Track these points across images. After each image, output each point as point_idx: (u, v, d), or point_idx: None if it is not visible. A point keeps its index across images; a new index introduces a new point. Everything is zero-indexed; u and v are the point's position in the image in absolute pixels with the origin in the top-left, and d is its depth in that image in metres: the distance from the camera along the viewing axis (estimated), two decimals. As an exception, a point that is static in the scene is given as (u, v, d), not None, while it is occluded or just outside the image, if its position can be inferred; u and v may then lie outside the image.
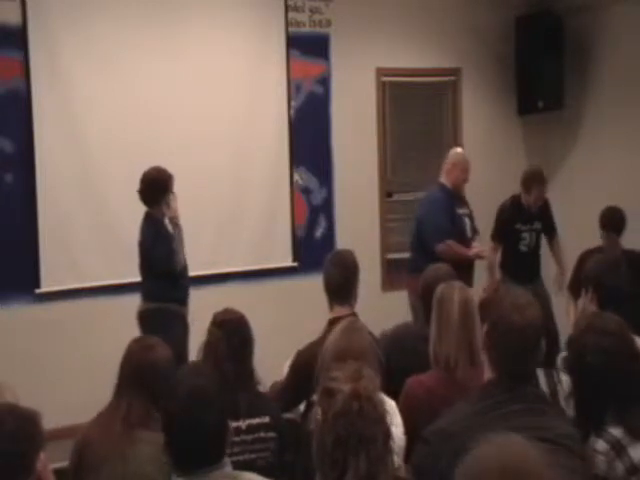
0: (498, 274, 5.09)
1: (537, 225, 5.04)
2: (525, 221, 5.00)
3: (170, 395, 1.91)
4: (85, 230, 4.82)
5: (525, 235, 5.00)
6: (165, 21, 5.00)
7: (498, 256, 5.12)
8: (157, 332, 4.04)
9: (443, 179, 4.79)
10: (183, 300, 4.27)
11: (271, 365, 2.99)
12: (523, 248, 5.01)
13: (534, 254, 5.08)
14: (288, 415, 2.77)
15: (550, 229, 5.15)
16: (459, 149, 4.95)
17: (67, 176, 4.78)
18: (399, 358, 2.93)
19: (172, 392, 1.91)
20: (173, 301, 4.20)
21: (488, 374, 2.01)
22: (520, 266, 4.99)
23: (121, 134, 4.87)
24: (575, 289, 4.21)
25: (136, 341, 2.49)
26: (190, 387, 1.88)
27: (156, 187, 4.18)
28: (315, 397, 2.37)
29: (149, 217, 4.23)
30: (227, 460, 1.89)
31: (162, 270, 4.15)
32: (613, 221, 4.42)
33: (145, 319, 4.16)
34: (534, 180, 4.94)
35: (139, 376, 2.34)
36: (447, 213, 4.65)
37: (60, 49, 4.73)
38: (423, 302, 3.06)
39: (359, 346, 2.39)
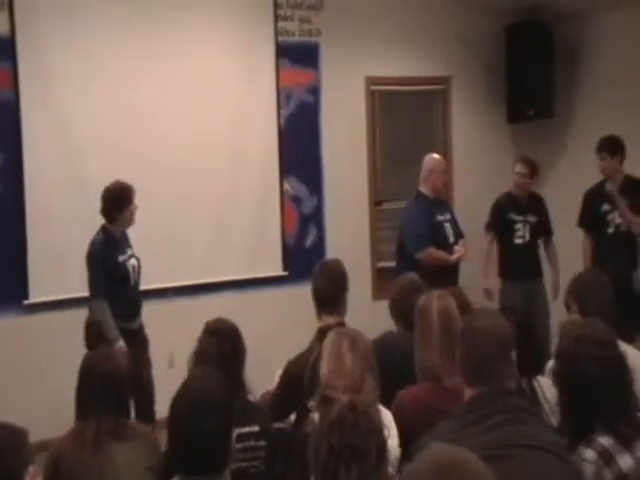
0: (494, 269, 5.13)
1: (531, 218, 5.08)
2: (518, 212, 5.07)
3: (177, 400, 1.91)
4: (74, 240, 4.77)
5: (519, 226, 5.06)
6: (155, 32, 5.00)
7: (494, 250, 5.16)
8: (97, 345, 3.98)
9: (421, 187, 4.80)
10: (129, 315, 4.14)
11: (262, 374, 2.98)
12: (518, 240, 5.07)
13: (530, 248, 5.09)
14: (279, 424, 2.76)
15: (546, 230, 5.19)
16: (435, 155, 4.94)
17: (57, 186, 4.75)
18: (386, 365, 2.94)
19: (179, 397, 1.91)
20: (120, 316, 4.05)
21: (467, 394, 2.01)
22: (516, 260, 5.05)
23: (112, 144, 4.86)
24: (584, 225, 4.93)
25: (92, 354, 2.46)
26: (198, 393, 1.89)
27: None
28: (309, 405, 2.38)
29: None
30: (227, 473, 1.89)
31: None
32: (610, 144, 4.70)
33: (88, 331, 4.06)
34: (518, 159, 5.19)
35: (104, 389, 2.32)
36: (425, 221, 4.66)
37: (49, 58, 4.72)
38: (392, 313, 3.09)
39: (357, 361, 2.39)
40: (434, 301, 2.65)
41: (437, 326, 2.58)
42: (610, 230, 4.81)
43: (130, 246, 4.26)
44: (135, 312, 4.22)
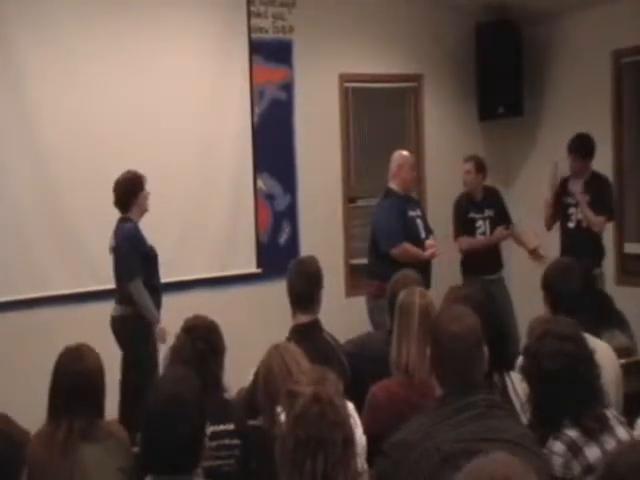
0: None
1: (489, 212, 5.21)
2: (477, 209, 5.19)
3: (148, 401, 1.91)
4: (43, 237, 4.74)
5: (480, 223, 5.18)
6: (127, 30, 4.95)
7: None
8: (133, 338, 4.01)
9: (391, 184, 4.84)
10: (158, 304, 4.19)
11: (236, 372, 2.99)
12: (480, 237, 5.18)
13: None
14: (253, 422, 2.76)
15: (505, 220, 5.28)
16: (403, 151, 4.98)
17: (24, 180, 4.69)
18: (364, 367, 2.96)
19: (153, 395, 1.91)
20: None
21: (439, 392, 2.04)
22: (477, 255, 5.13)
23: (81, 138, 4.81)
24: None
25: (65, 353, 2.41)
26: (169, 395, 1.89)
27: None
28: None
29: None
30: (199, 471, 1.90)
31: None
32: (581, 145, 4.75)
33: (120, 325, 4.09)
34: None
35: (76, 390, 2.29)
36: (398, 217, 4.70)
37: (19, 58, 4.66)
38: (391, 310, 3.07)
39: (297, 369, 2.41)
40: (416, 298, 2.69)
41: (417, 323, 2.61)
42: (571, 225, 4.82)
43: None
44: (159, 302, 4.23)
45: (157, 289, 4.19)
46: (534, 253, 5.12)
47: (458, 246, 5.17)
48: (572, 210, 4.82)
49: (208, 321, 2.69)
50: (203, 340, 2.59)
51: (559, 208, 4.90)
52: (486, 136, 6.31)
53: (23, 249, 4.67)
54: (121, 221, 4.17)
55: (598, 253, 4.80)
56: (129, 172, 4.19)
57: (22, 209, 4.70)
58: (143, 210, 4.22)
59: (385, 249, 4.64)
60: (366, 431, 2.38)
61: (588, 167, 4.81)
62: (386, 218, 4.74)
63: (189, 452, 1.89)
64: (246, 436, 2.55)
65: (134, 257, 4.07)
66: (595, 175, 4.84)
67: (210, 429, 2.42)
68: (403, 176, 4.81)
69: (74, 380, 2.31)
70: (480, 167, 5.20)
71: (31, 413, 2.37)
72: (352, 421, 1.77)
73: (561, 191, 4.89)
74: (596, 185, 4.78)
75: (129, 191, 4.14)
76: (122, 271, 4.12)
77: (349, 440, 1.70)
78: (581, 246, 4.65)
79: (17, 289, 4.65)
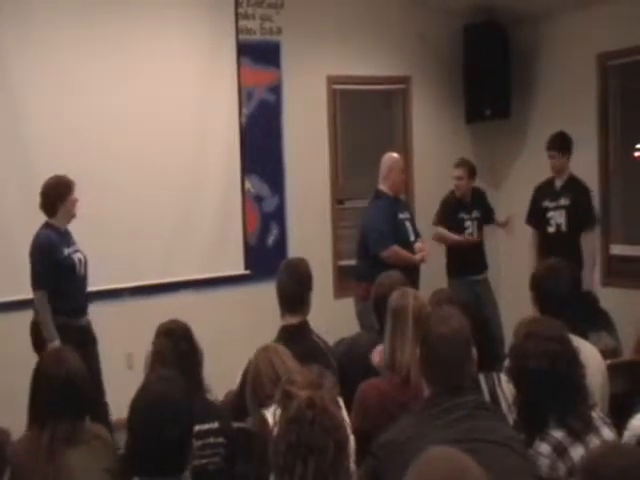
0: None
1: (476, 214, 5.33)
2: (466, 210, 5.30)
3: (135, 403, 1.90)
4: (27, 238, 4.70)
5: (468, 224, 5.29)
6: (115, 32, 4.93)
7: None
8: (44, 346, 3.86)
9: (381, 186, 4.84)
10: (75, 312, 4.08)
11: (224, 374, 2.98)
12: (468, 237, 5.26)
13: (477, 243, 5.31)
14: (240, 424, 2.76)
15: (489, 218, 5.44)
16: (393, 153, 5.00)
17: (11, 181, 4.66)
18: (353, 368, 2.96)
19: (137, 400, 1.90)
20: (64, 313, 4.00)
21: (427, 392, 2.05)
22: (464, 256, 5.19)
23: (68, 140, 4.78)
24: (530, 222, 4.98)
25: (46, 357, 2.40)
26: (156, 396, 1.89)
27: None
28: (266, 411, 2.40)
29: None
30: (187, 473, 1.89)
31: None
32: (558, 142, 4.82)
33: (36, 330, 3.99)
34: (454, 163, 5.35)
35: (61, 393, 2.27)
36: (388, 219, 4.71)
37: (7, 61, 4.64)
38: (377, 311, 3.08)
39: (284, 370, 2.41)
40: (410, 300, 2.69)
41: (412, 326, 2.61)
42: (551, 229, 4.79)
43: (74, 242, 4.18)
44: (82, 308, 4.13)
45: (78, 296, 4.10)
46: (504, 224, 5.33)
47: (434, 231, 5.26)
48: (551, 214, 4.79)
49: (183, 324, 2.71)
50: (184, 341, 2.61)
51: (537, 214, 4.90)
52: (473, 138, 6.34)
53: (6, 250, 4.63)
54: (42, 227, 4.07)
55: (578, 259, 4.68)
56: (58, 176, 4.09)
57: (7, 211, 4.66)
58: (70, 216, 4.12)
59: (376, 251, 4.64)
60: (354, 429, 2.39)
61: (567, 166, 4.82)
62: (377, 220, 4.74)
63: (177, 454, 1.88)
64: (231, 436, 2.55)
65: (41, 268, 3.96)
66: (573, 178, 4.83)
67: (195, 428, 2.42)
68: (393, 179, 4.82)
69: (57, 383, 2.28)
70: (472, 172, 5.29)
71: (11, 415, 2.36)
72: (346, 428, 1.77)
73: (538, 195, 4.91)
74: (575, 189, 4.77)
75: (56, 195, 4.05)
76: (31, 279, 4.01)
77: (342, 446, 1.69)
78: (561, 251, 4.48)
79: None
